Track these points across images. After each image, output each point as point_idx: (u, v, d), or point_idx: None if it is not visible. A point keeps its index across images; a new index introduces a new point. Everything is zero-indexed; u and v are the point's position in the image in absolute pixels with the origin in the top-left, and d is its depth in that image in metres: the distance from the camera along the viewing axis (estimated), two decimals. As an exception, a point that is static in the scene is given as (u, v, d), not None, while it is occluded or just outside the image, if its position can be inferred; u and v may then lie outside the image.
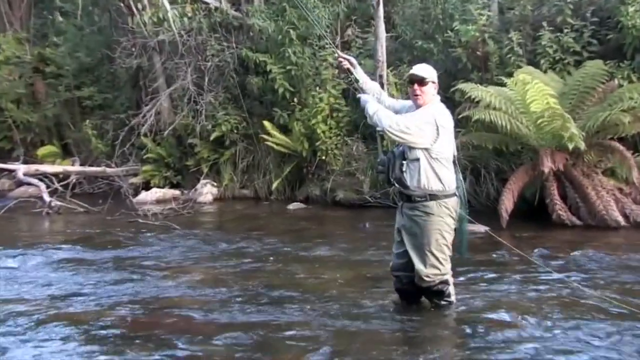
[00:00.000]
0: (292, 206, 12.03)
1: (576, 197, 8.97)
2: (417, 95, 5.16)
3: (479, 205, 10.41)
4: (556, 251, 7.49)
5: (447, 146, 5.08)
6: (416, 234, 5.11)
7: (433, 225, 5.06)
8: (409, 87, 5.26)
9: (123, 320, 5.49)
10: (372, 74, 11.35)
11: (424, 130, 4.98)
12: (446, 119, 5.09)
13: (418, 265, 5.10)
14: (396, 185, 5.16)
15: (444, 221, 5.09)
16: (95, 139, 15.35)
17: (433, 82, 5.16)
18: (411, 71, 5.24)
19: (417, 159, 5.02)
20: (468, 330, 4.99)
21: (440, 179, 5.04)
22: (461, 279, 6.14)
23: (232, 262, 7.57)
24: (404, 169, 5.05)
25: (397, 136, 5.00)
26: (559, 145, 8.98)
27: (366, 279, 6.61)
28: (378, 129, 5.07)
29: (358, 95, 5.39)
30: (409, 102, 5.34)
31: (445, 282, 5.19)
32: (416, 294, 5.38)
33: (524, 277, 6.47)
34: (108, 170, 14.57)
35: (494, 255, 7.45)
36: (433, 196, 5.04)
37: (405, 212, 5.18)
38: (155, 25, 14.00)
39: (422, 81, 5.13)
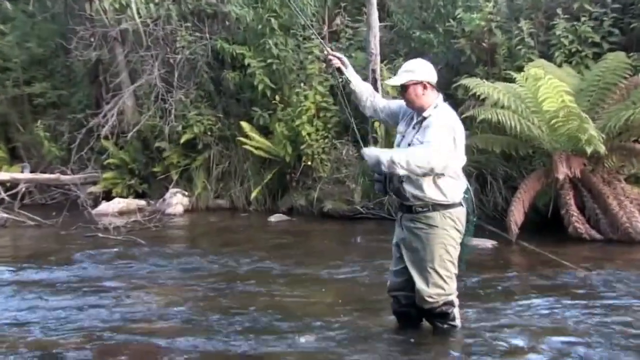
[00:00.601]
0: (274, 218, 12.02)
1: (595, 208, 9.00)
2: (406, 102, 5.22)
3: (485, 216, 10.44)
4: (573, 269, 7.50)
5: (460, 157, 5.10)
6: (417, 248, 5.11)
7: (436, 239, 5.07)
8: None
9: (84, 350, 5.43)
10: (364, 68, 11.40)
11: (451, 148, 4.97)
12: (459, 125, 5.08)
13: (419, 284, 5.10)
14: (394, 196, 5.18)
15: (448, 234, 5.09)
16: (48, 142, 15.28)
17: (416, 83, 5.09)
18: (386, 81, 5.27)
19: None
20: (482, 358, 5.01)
21: (443, 190, 5.04)
22: (470, 300, 6.15)
23: (206, 283, 7.53)
24: (403, 180, 5.04)
25: (444, 168, 4.92)
26: (575, 149, 9.02)
27: (359, 301, 6.59)
28: (425, 175, 4.91)
29: (362, 151, 5.03)
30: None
31: (450, 304, 5.19)
32: (416, 317, 5.38)
33: (538, 298, 6.48)
34: (63, 177, 14.48)
35: (505, 274, 7.45)
36: (436, 206, 5.05)
37: (405, 224, 5.19)
38: (117, 13, 13.97)
39: (402, 88, 5.16)
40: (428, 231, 5.06)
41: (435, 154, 4.81)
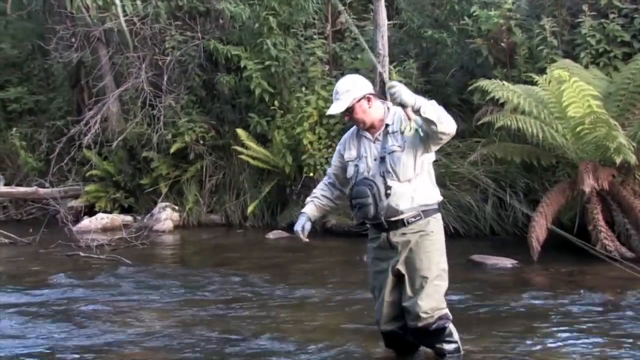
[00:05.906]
0: (273, 235, 12.02)
1: (626, 223, 8.97)
2: (357, 123, 5.23)
3: (504, 233, 10.43)
4: (602, 291, 7.47)
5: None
6: (414, 259, 5.09)
7: (434, 245, 5.13)
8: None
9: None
10: (371, 70, 11.41)
11: None
12: None
13: (413, 299, 5.07)
14: (382, 218, 5.08)
15: (441, 240, 5.19)
16: (24, 152, 15.30)
17: (360, 99, 5.10)
18: (328, 112, 5.34)
19: (416, 176, 5.06)
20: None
21: (433, 186, 5.18)
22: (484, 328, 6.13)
23: (197, 307, 7.53)
24: (389, 192, 5.03)
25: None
26: (603, 159, 9.03)
27: (365, 326, 6.57)
28: (443, 136, 4.93)
29: (389, 85, 4.92)
30: None
31: (446, 317, 5.16)
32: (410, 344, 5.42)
33: (560, 326, 6.47)
34: (41, 191, 14.50)
35: (524, 297, 7.42)
36: (427, 212, 5.10)
37: (394, 241, 5.12)
38: (101, 10, 13.99)
39: (348, 111, 5.13)
40: (424, 237, 5.10)
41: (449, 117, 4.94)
